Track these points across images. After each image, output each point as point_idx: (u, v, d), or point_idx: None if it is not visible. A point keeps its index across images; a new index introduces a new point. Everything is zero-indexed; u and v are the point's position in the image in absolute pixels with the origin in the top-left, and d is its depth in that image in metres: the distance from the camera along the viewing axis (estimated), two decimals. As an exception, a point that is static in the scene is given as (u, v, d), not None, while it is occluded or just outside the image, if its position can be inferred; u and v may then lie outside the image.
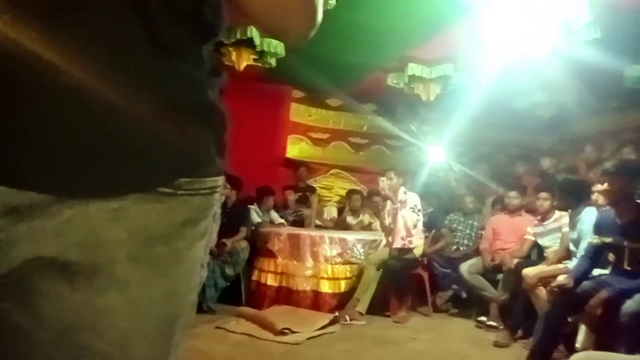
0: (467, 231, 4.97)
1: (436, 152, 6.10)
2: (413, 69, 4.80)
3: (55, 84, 0.43)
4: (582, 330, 3.00)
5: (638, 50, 4.10)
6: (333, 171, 6.66)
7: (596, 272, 3.09)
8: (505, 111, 5.58)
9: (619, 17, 3.61)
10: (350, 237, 4.50)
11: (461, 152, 6.33)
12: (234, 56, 4.46)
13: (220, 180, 0.57)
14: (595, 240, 2.99)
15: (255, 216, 4.90)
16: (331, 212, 6.02)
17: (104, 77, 0.45)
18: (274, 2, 0.53)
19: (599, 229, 2.97)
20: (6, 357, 0.48)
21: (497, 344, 3.51)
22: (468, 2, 3.58)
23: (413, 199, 4.43)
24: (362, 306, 4.12)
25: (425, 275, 4.51)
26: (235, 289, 4.37)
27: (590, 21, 3.51)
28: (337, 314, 4.01)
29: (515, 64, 4.22)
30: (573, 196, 3.49)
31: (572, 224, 3.53)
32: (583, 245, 3.30)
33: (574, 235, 3.48)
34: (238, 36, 4.19)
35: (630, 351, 2.41)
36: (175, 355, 0.54)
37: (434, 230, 4.92)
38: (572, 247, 3.53)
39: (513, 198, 4.45)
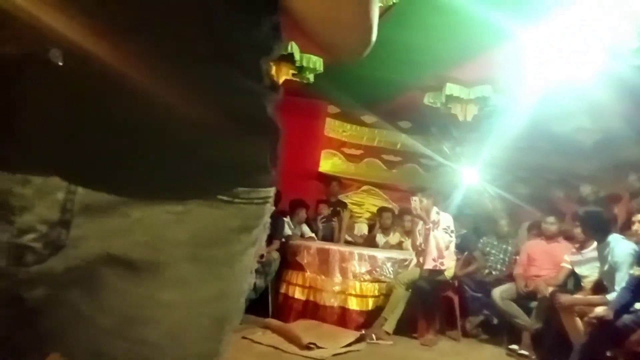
0: (501, 255, 4.85)
1: (471, 173, 6.00)
2: (451, 88, 4.78)
3: (127, 95, 0.47)
4: (621, 366, 2.87)
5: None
6: (365, 187, 6.65)
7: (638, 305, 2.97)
8: (544, 135, 5.44)
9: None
10: (380, 254, 4.47)
11: (497, 175, 6.19)
12: (273, 70, 4.55)
13: (272, 191, 0.60)
14: (637, 272, 2.87)
15: (287, 228, 4.93)
16: (362, 228, 5.99)
17: (171, 88, 0.49)
18: (330, 17, 0.55)
19: (640, 260, 2.86)
20: (71, 342, 0.52)
21: (528, 375, 3.41)
22: (510, 25, 3.55)
23: (446, 219, 4.37)
24: (390, 326, 4.07)
25: (456, 299, 4.42)
26: (263, 301, 4.40)
27: (638, 47, 3.42)
28: (363, 332, 3.97)
29: (557, 87, 4.14)
30: (596, 229, 3.42)
31: (601, 257, 3.42)
32: (619, 276, 3.19)
33: (605, 267, 3.37)
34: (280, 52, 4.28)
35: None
36: (223, 354, 0.56)
37: (466, 253, 4.82)
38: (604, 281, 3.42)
39: (550, 224, 4.33)
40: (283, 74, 4.61)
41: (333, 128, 6.54)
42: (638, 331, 2.58)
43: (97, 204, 0.48)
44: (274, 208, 0.64)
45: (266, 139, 0.58)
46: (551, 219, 4.35)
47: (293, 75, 4.67)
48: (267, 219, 0.61)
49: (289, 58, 4.43)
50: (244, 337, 3.60)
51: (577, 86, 4.10)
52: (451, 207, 5.05)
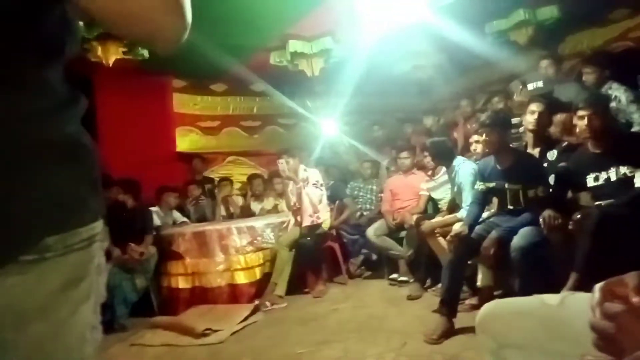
0: (368, 196, 5.18)
1: (329, 125, 6.22)
2: (294, 45, 4.78)
3: None
4: (481, 270, 3.30)
5: (493, 8, 4.49)
6: (230, 159, 6.48)
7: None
8: (387, 78, 5.82)
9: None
10: (258, 223, 4.45)
11: (353, 121, 6.53)
12: (99, 51, 4.08)
13: (99, 225, 0.49)
14: (481, 186, 3.27)
15: (156, 218, 4.61)
16: (237, 200, 5.87)
17: None
18: (129, 5, 0.45)
19: (482, 176, 3.25)
20: None
21: (410, 297, 3.76)
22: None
23: (314, 175, 4.49)
24: (281, 289, 4.13)
25: (336, 246, 4.65)
26: (146, 300, 4.12)
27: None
28: (256, 302, 3.98)
29: (390, 32, 4.39)
30: (442, 155, 3.81)
31: (450, 179, 3.85)
32: (465, 195, 3.62)
33: (455, 188, 3.80)
34: (101, 29, 3.82)
35: (524, 281, 2.71)
36: None
37: (337, 202, 5.04)
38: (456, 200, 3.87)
39: (404, 158, 4.70)
40: (112, 54, 4.15)
41: (183, 103, 6.15)
42: (488, 237, 2.95)
43: None
44: (106, 243, 0.52)
45: (73, 165, 0.46)
46: (404, 154, 4.72)
47: (124, 53, 4.23)
48: (98, 261, 0.50)
49: (115, 35, 3.97)
50: (132, 344, 3.35)
51: (407, 29, 4.40)
52: (316, 161, 5.21)
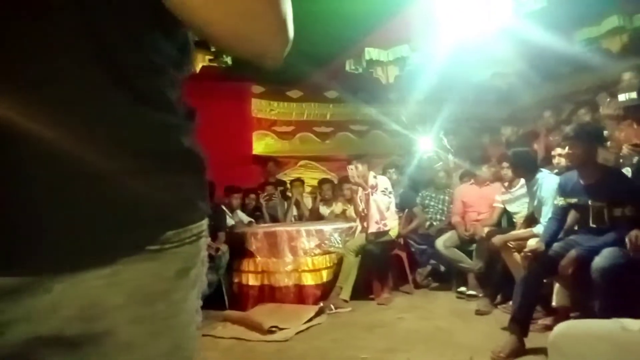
0: (440, 206, 5.09)
1: (402, 133, 6.19)
2: (370, 53, 4.84)
3: (29, 155, 0.43)
4: (557, 290, 3.14)
5: (584, 14, 4.26)
6: (302, 162, 6.67)
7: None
8: (464, 86, 5.70)
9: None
10: (326, 227, 4.54)
11: (426, 130, 6.44)
12: (188, 59, 4.38)
13: (205, 223, 0.58)
14: (561, 202, 3.11)
15: (228, 218, 4.86)
16: (307, 203, 6.02)
17: (78, 141, 0.45)
18: (238, 24, 0.50)
19: (563, 191, 3.10)
20: None
21: (478, 312, 3.65)
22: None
23: (383, 182, 4.50)
24: (346, 293, 4.18)
25: (404, 255, 4.62)
26: (218, 294, 4.35)
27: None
28: (322, 304, 4.06)
29: (469, 39, 4.31)
30: (524, 167, 3.66)
31: (531, 193, 3.69)
32: (545, 210, 3.46)
33: (535, 202, 3.64)
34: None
35: (604, 304, 2.55)
36: None
37: (406, 210, 5.01)
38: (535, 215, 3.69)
39: (484, 172, 4.57)
40: (199, 61, 4.45)
41: (260, 108, 6.45)
42: (567, 256, 2.81)
43: (17, 285, 0.44)
44: (209, 239, 0.61)
45: (187, 173, 0.55)
46: (484, 167, 4.58)
47: (210, 60, 4.51)
48: (203, 254, 0.59)
49: (203, 44, 4.24)
50: (204, 335, 3.55)
51: (487, 36, 4.29)
52: (386, 169, 5.22)
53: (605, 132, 3.73)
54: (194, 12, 0.47)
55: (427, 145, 5.98)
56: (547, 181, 3.54)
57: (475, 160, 4.72)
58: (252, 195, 5.41)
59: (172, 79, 0.54)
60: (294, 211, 5.59)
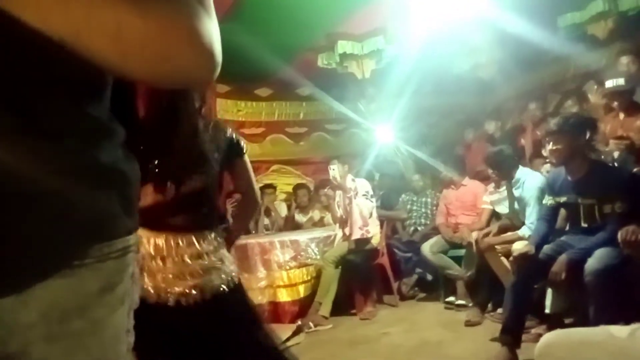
0: (423, 210, 5.11)
1: (381, 130, 6.19)
2: (343, 46, 4.83)
3: None
4: (550, 295, 3.18)
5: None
6: (274, 167, 6.62)
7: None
8: (445, 77, 5.74)
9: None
10: (302, 237, 4.51)
11: (406, 126, 6.47)
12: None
13: (133, 238, 0.60)
14: (550, 201, 3.15)
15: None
16: (281, 209, 5.97)
17: None
18: (152, 68, 0.51)
19: (552, 189, 3.14)
20: None
21: (468, 323, 3.67)
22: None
23: (363, 185, 4.49)
24: (325, 309, 4.16)
25: (387, 264, 4.61)
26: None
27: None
28: (299, 322, 4.03)
29: (446, 28, 4.35)
30: (503, 167, 3.71)
31: (510, 194, 3.75)
32: (529, 211, 3.51)
33: (516, 203, 3.69)
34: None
35: (599, 308, 2.59)
36: None
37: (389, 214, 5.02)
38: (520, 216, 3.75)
39: (446, 175, 4.67)
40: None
41: (226, 109, 6.35)
42: (558, 260, 2.84)
43: None
44: (140, 255, 0.64)
45: (107, 187, 0.57)
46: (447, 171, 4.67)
47: (167, 58, 4.44)
48: (132, 270, 0.61)
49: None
50: None
51: (467, 23, 4.34)
52: (366, 170, 5.22)
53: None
54: (105, 62, 0.49)
55: (410, 143, 6.02)
56: (529, 180, 3.59)
57: (454, 161, 4.77)
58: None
59: (86, 94, 0.56)
60: (265, 220, 5.54)
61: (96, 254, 0.54)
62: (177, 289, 1.48)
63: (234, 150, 1.70)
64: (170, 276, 1.48)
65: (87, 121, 0.56)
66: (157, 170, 1.46)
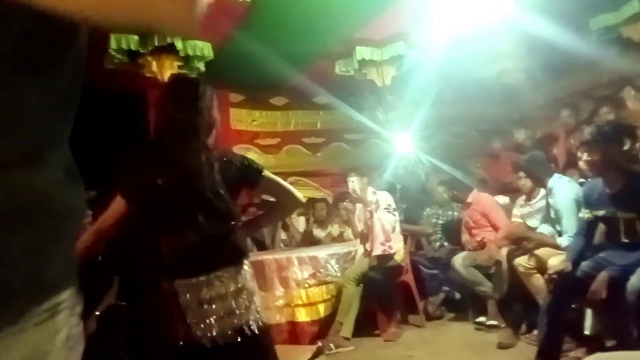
0: (449, 224, 5.02)
1: (401, 140, 6.14)
2: (362, 52, 4.82)
3: None
4: (589, 315, 3.09)
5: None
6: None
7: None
8: (469, 84, 5.69)
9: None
10: (321, 253, 4.46)
11: (428, 136, 6.41)
12: (154, 66, 4.34)
13: (65, 293, 0.52)
14: (587, 214, 3.07)
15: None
16: (299, 224, 5.93)
17: None
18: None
19: (588, 202, 3.06)
20: None
21: (501, 346, 3.58)
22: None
23: (385, 198, 4.44)
24: (347, 330, 4.10)
25: (412, 281, 4.53)
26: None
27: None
28: (319, 344, 3.96)
29: (470, 32, 4.30)
30: (538, 173, 3.65)
31: (540, 204, 3.68)
32: (565, 223, 3.43)
33: (551, 214, 3.61)
34: (156, 43, 4.08)
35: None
36: None
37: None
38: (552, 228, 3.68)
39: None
40: (167, 68, 4.39)
41: (240, 119, 6.39)
42: (598, 278, 2.76)
43: None
44: (79, 308, 0.55)
45: (28, 233, 0.49)
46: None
47: (180, 67, 4.47)
48: (68, 332, 0.52)
49: (171, 49, 4.24)
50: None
51: (492, 28, 4.29)
52: (386, 182, 5.16)
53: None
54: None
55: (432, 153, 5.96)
56: (562, 189, 3.51)
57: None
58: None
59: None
60: (282, 235, 5.51)
61: (9, 323, 0.45)
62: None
63: (252, 173, 1.78)
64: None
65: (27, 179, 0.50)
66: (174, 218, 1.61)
